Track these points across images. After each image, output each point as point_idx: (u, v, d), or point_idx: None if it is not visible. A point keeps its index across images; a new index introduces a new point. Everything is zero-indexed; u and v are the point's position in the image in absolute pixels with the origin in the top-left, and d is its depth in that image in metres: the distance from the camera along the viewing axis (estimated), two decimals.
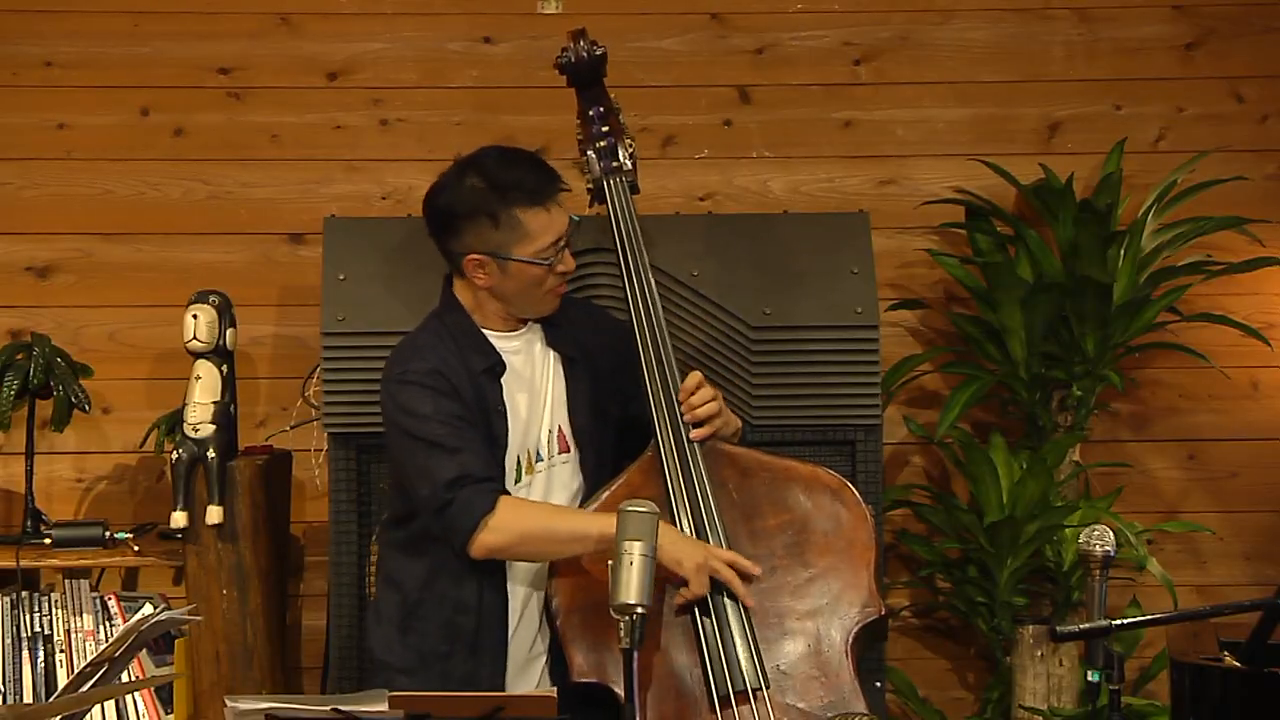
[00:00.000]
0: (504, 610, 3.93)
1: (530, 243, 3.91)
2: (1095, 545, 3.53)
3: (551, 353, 4.04)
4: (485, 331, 3.99)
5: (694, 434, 3.95)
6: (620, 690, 3.79)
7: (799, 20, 4.96)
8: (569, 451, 4.02)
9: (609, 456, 4.09)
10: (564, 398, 4.03)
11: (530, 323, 4.03)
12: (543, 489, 3.98)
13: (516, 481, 3.96)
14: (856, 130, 4.98)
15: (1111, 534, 3.55)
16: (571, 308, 4.12)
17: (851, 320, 4.40)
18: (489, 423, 3.92)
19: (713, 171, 4.96)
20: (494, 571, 3.91)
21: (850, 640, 3.84)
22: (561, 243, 3.93)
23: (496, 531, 3.82)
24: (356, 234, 4.50)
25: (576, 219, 3.99)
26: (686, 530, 3.87)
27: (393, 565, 4.03)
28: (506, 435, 3.94)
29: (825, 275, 4.45)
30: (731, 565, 3.83)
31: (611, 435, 4.09)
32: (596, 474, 4.02)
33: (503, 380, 3.96)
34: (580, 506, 3.98)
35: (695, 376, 3.99)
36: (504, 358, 3.97)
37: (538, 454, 3.99)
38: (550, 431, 4.00)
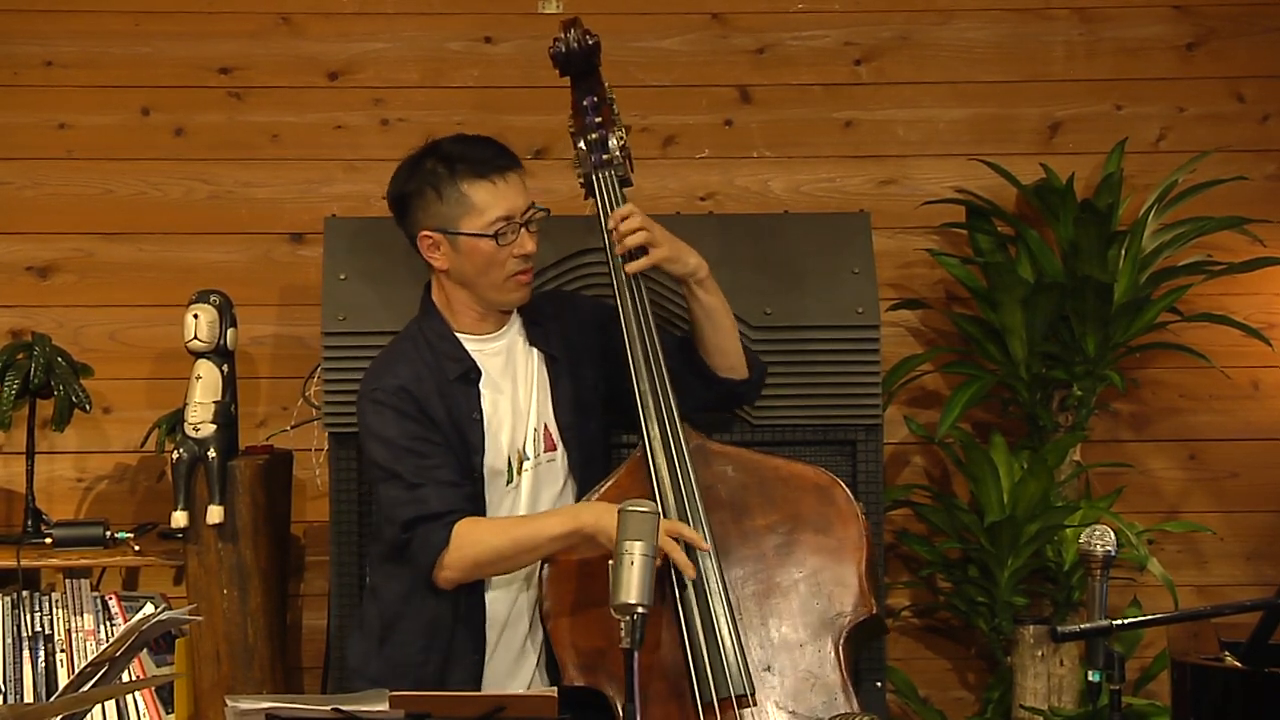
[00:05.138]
0: (481, 624, 3.94)
1: (477, 216, 3.91)
2: (1096, 545, 3.53)
3: (534, 351, 4.05)
4: (461, 336, 3.99)
5: (629, 267, 3.94)
6: (611, 694, 3.79)
7: (799, 20, 4.96)
8: (555, 449, 4.02)
9: (597, 450, 4.10)
10: (549, 396, 4.03)
11: (510, 321, 4.04)
12: (531, 488, 3.98)
13: (508, 483, 3.96)
14: (857, 130, 4.98)
15: (1112, 534, 3.54)
16: (551, 303, 4.12)
17: (852, 320, 4.40)
18: (462, 431, 3.93)
19: (713, 171, 4.96)
20: (473, 587, 3.92)
21: (842, 641, 3.82)
22: (516, 220, 3.92)
23: (451, 567, 3.85)
24: (357, 234, 4.51)
25: (544, 209, 3.98)
26: None
27: (376, 576, 4.05)
28: (482, 441, 3.94)
29: (826, 275, 4.45)
30: (676, 536, 3.77)
31: (598, 427, 4.09)
32: (583, 469, 4.03)
33: (480, 386, 3.97)
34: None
35: (629, 207, 3.97)
36: (480, 362, 3.98)
37: (526, 453, 3.99)
38: (536, 430, 4.00)
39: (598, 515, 3.75)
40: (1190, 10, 4.98)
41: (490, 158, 3.94)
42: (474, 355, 3.99)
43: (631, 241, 3.95)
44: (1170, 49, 4.99)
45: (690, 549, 3.79)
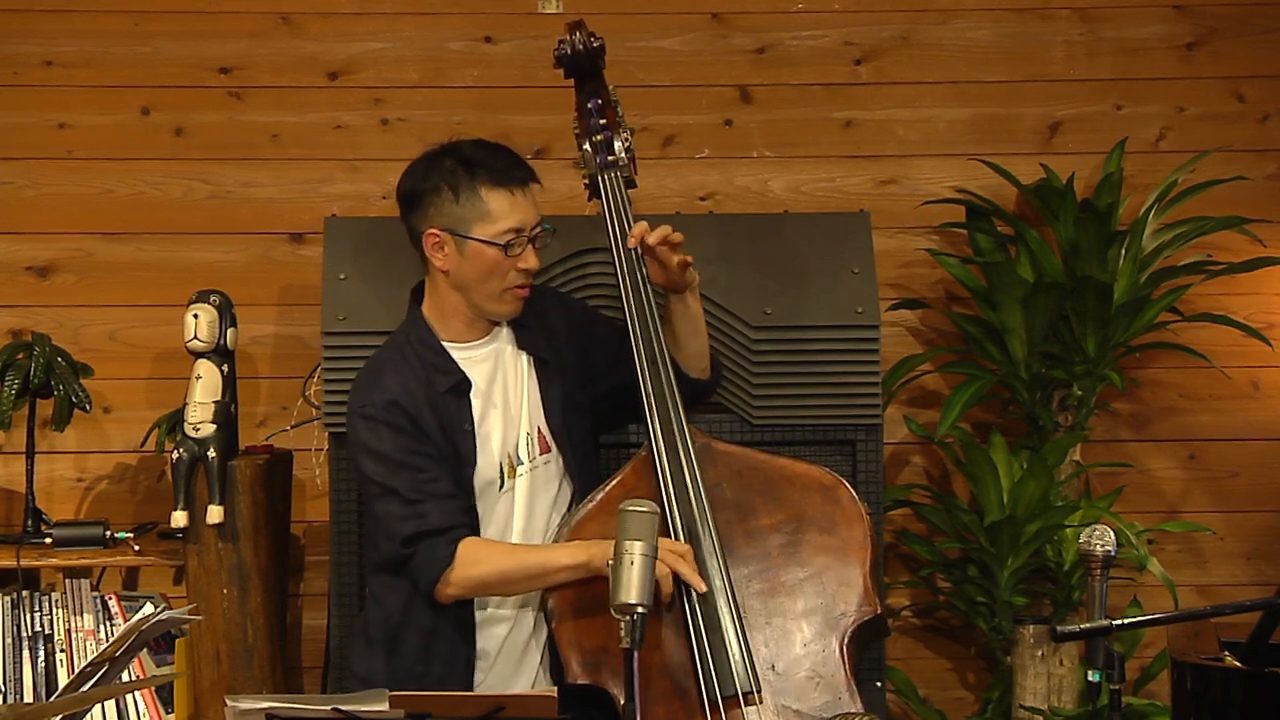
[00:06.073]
0: (471, 628, 3.93)
1: (490, 223, 3.91)
2: (1096, 545, 3.53)
3: (523, 355, 4.05)
4: (448, 345, 3.99)
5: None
6: (615, 692, 3.79)
7: (799, 20, 4.96)
8: (550, 451, 4.02)
9: (590, 448, 4.11)
10: (539, 400, 4.03)
11: (498, 328, 4.03)
12: (527, 491, 3.99)
13: (501, 488, 3.96)
14: (857, 130, 4.98)
15: (1112, 534, 3.55)
16: (539, 302, 4.09)
17: (852, 320, 4.40)
18: (455, 443, 3.92)
19: (713, 171, 4.96)
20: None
21: (846, 640, 3.83)
22: (525, 235, 3.93)
23: (455, 584, 3.86)
24: (357, 234, 4.51)
25: (550, 227, 3.99)
26: (679, 529, 3.85)
27: (376, 585, 4.04)
28: (474, 454, 3.93)
29: (826, 275, 4.45)
30: (673, 567, 3.76)
31: (589, 426, 4.10)
32: (579, 469, 4.03)
33: (470, 396, 3.97)
34: (575, 507, 3.98)
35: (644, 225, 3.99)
36: (468, 373, 3.97)
37: (518, 458, 3.99)
38: (529, 434, 4.00)
39: (605, 550, 3.72)
40: (1190, 10, 4.99)
41: (510, 168, 3.95)
42: (462, 365, 3.98)
43: (677, 238, 3.95)
44: (1170, 49, 5.00)
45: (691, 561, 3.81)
